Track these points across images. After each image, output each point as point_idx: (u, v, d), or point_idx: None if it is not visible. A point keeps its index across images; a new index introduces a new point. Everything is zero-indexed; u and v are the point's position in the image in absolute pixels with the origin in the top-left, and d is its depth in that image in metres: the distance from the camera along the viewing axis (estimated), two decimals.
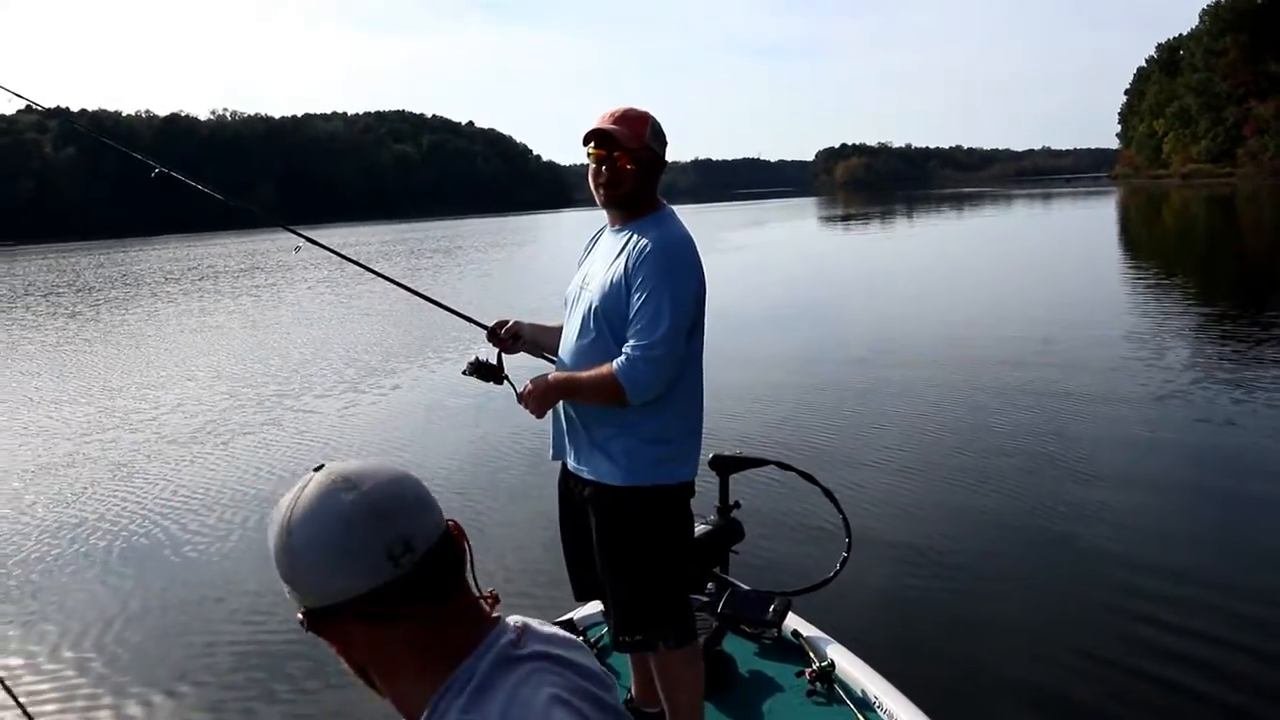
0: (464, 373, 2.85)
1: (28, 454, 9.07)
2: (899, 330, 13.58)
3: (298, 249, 3.02)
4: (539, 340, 2.92)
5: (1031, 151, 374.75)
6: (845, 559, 3.68)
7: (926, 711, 2.92)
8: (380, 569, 1.04)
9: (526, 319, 2.97)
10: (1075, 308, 14.60)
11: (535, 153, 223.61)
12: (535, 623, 1.18)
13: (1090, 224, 40.06)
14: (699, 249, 2.63)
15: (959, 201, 77.38)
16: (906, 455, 7.22)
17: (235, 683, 4.39)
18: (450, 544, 1.10)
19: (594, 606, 3.75)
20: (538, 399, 2.67)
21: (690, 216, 2.69)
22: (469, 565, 1.12)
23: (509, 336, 2.91)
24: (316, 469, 1.10)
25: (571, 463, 2.73)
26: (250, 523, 6.59)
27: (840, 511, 3.69)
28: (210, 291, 28.24)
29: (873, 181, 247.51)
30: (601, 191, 2.61)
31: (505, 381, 2.83)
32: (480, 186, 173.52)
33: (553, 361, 2.83)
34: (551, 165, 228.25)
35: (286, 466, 8.07)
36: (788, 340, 13.33)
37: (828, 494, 3.73)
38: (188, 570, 5.78)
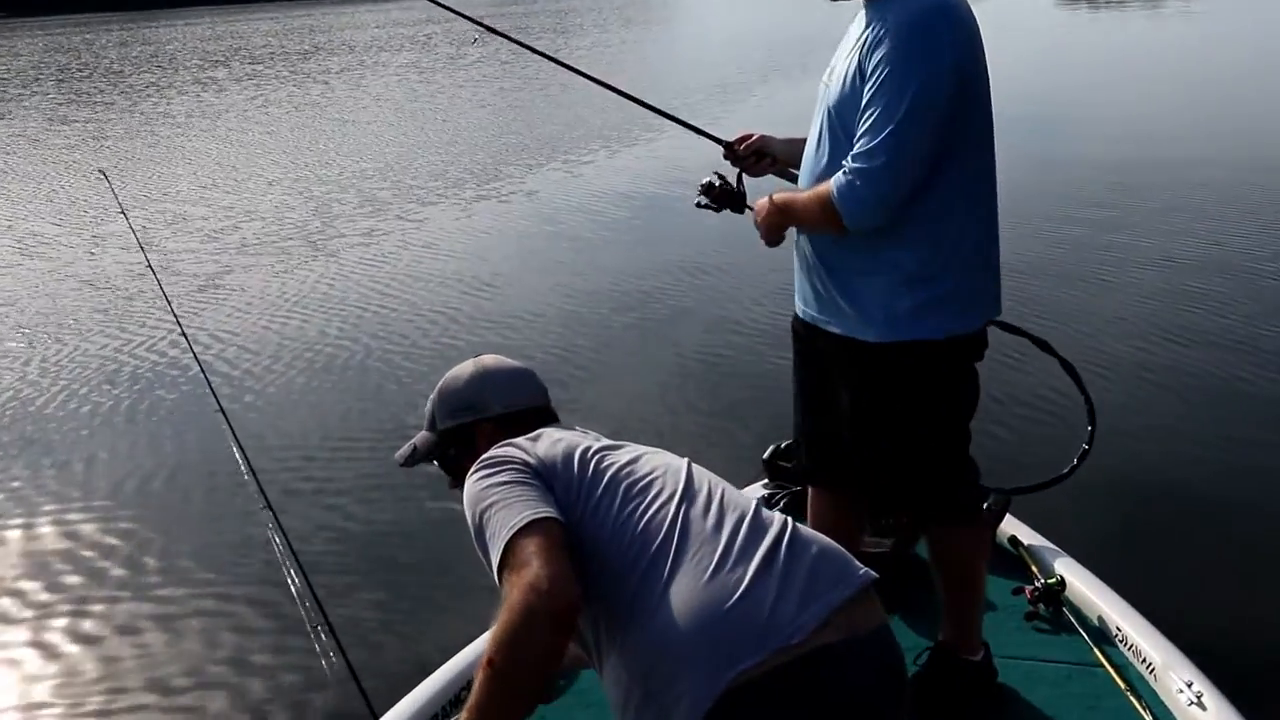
0: (697, 204, 2.48)
1: (112, 266, 8.35)
2: (1161, 146, 10.54)
3: (475, 40, 2.86)
4: (792, 158, 2.39)
5: None
6: (1086, 451, 2.83)
7: (1184, 651, 2.41)
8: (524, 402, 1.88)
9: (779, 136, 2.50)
10: None
11: None
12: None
13: None
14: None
15: None
16: (1170, 319, 5.73)
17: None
18: (548, 408, 1.92)
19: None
20: (763, 221, 2.27)
21: None
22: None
23: (749, 154, 2.48)
24: (478, 356, 1.96)
25: (809, 310, 2.28)
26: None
27: (1083, 390, 2.80)
28: (269, 77, 24.20)
29: None
30: None
31: (749, 210, 2.37)
32: None
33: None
34: None
35: (406, 278, 7.57)
36: (1012, 155, 10.74)
37: (1066, 366, 2.83)
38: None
